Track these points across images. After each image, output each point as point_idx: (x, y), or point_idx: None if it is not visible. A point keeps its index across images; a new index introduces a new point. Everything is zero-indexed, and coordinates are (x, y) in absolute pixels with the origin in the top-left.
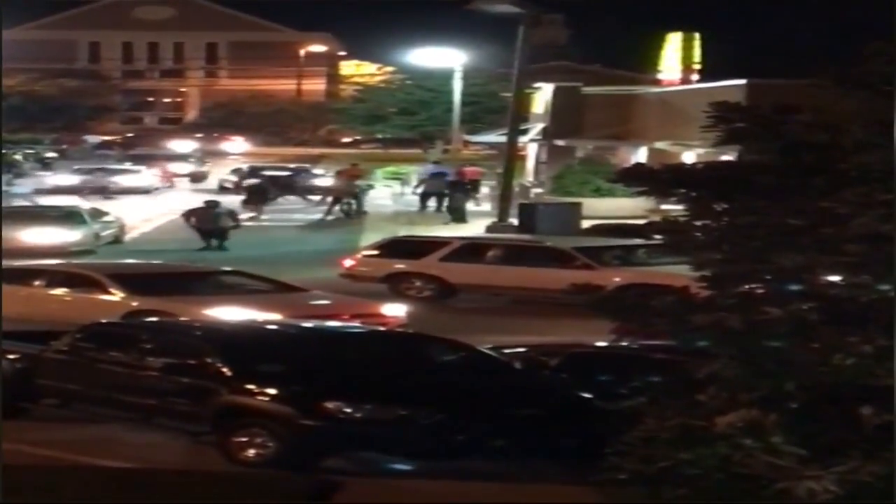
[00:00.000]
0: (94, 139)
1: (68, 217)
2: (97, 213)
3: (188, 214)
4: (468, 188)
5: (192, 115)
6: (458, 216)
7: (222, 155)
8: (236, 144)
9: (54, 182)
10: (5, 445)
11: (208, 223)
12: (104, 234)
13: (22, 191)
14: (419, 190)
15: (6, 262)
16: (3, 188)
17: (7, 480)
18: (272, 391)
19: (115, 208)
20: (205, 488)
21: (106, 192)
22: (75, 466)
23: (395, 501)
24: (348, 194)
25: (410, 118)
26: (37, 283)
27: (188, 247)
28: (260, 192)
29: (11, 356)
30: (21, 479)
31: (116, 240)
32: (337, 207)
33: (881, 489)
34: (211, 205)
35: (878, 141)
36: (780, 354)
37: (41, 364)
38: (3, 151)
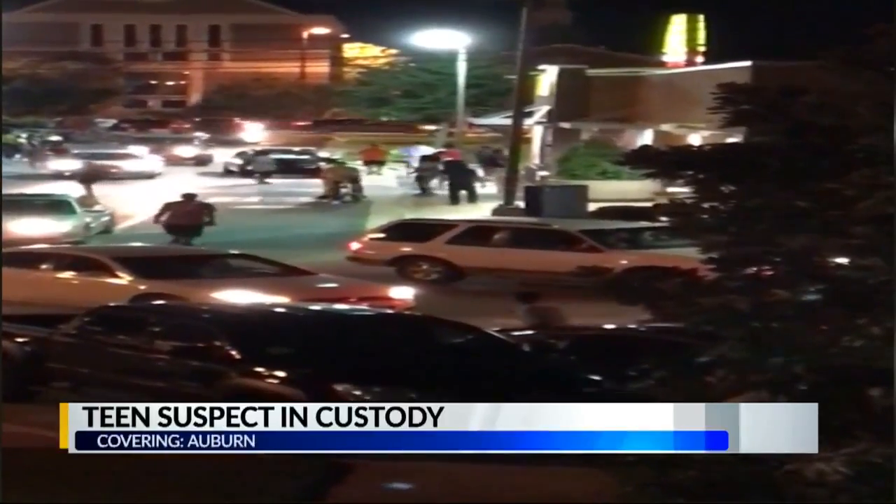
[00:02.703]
0: (102, 121)
1: (57, 207)
2: (88, 202)
3: (162, 210)
4: (470, 170)
5: (195, 98)
6: (470, 197)
7: (237, 143)
8: (251, 132)
9: (55, 167)
10: (13, 428)
11: (183, 218)
12: (94, 224)
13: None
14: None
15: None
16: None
17: (12, 463)
18: (281, 374)
19: (116, 194)
20: (214, 469)
21: (106, 178)
22: None
23: (405, 483)
24: (347, 178)
25: (415, 101)
26: (44, 266)
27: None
28: (95, 171)
29: (20, 339)
30: (26, 461)
31: (107, 230)
32: (344, 191)
33: (890, 470)
34: (189, 198)
35: (884, 123)
36: (788, 336)
37: (50, 347)
38: (7, 136)
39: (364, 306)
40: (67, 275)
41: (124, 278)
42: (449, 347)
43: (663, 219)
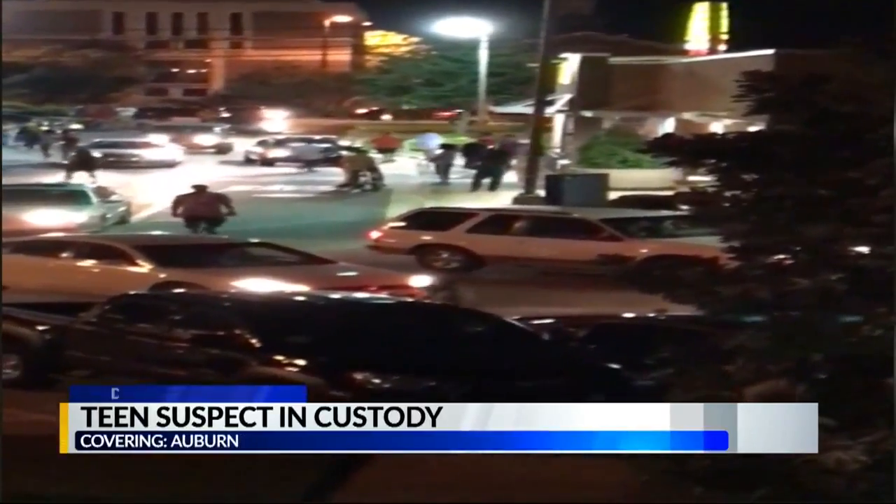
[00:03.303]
0: (123, 109)
1: (73, 197)
2: (103, 192)
3: (176, 203)
4: (507, 158)
5: (216, 86)
6: (492, 186)
7: (258, 131)
8: (274, 122)
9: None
10: (34, 416)
11: (197, 210)
12: (110, 214)
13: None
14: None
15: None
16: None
17: (31, 450)
18: (301, 362)
19: (136, 183)
20: (228, 460)
21: (126, 167)
22: None
23: (420, 475)
24: (365, 166)
25: (436, 89)
26: (64, 254)
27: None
28: (85, 160)
29: (40, 327)
30: (45, 448)
31: (123, 220)
32: (363, 179)
33: None
34: (200, 190)
35: None
36: (807, 325)
37: (70, 335)
38: (28, 124)
39: (384, 295)
40: (88, 263)
41: (144, 266)
42: (469, 336)
43: (684, 207)
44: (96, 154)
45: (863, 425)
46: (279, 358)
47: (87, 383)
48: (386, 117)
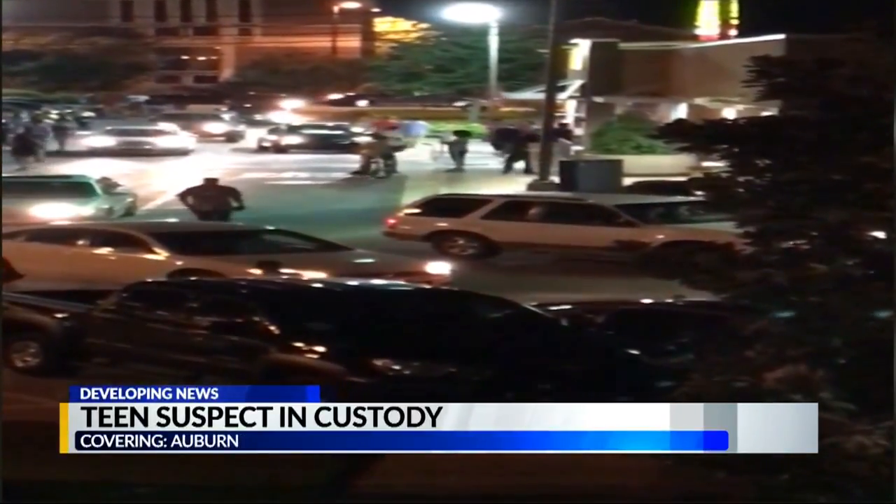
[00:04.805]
0: (134, 97)
1: (78, 189)
2: (109, 184)
3: (185, 194)
4: (527, 142)
5: (227, 73)
6: (507, 169)
7: (269, 120)
8: (285, 114)
9: (88, 143)
10: (51, 403)
11: (206, 203)
12: (117, 207)
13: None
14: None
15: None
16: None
17: (49, 437)
18: (320, 349)
19: (150, 171)
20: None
21: (138, 155)
22: None
23: (433, 469)
24: (381, 153)
25: (447, 75)
26: (81, 242)
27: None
28: (26, 144)
29: (59, 315)
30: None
31: (129, 213)
32: (374, 166)
33: None
34: (210, 182)
35: None
36: (826, 310)
37: (88, 323)
38: (39, 111)
39: (401, 282)
40: (104, 250)
41: (161, 254)
42: (487, 322)
43: (700, 193)
44: (37, 139)
45: (883, 410)
46: (298, 345)
47: (106, 371)
48: (362, 102)
